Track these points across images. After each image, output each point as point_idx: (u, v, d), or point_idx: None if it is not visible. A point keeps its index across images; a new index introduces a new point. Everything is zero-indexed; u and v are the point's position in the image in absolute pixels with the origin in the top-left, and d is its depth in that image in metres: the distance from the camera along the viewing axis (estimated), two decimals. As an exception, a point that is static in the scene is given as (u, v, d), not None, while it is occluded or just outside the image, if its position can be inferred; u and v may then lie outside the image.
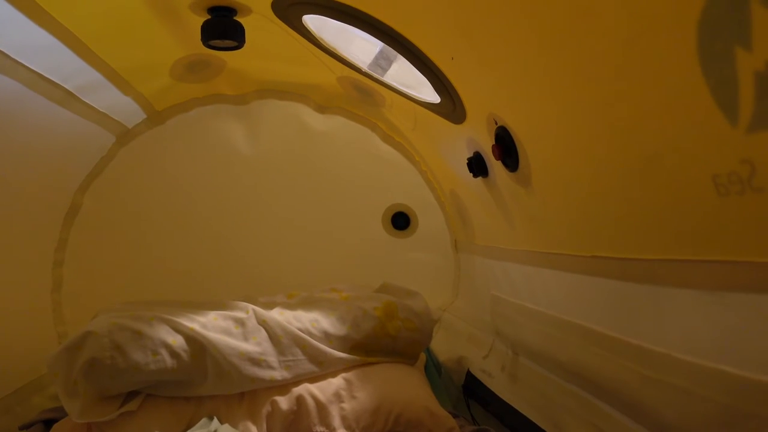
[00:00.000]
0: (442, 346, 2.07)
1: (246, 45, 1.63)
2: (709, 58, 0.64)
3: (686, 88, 0.68)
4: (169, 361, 1.40)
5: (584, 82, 0.88)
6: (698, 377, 0.80)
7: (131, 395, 1.42)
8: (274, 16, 1.54)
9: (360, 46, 1.63)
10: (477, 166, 1.40)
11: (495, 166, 1.29)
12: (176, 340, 1.44)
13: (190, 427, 1.39)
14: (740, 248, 0.71)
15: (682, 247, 0.81)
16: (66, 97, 1.59)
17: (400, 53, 1.32)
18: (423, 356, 1.88)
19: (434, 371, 2.02)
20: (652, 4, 0.68)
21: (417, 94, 1.59)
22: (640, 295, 0.92)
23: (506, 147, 1.18)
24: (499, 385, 1.53)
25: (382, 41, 1.32)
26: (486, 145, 1.31)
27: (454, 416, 1.50)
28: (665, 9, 0.67)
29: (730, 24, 0.60)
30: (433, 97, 1.46)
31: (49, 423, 1.48)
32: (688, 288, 0.81)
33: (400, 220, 2.38)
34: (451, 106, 1.39)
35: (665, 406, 0.87)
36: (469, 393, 1.73)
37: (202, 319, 1.52)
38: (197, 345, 1.44)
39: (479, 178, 1.44)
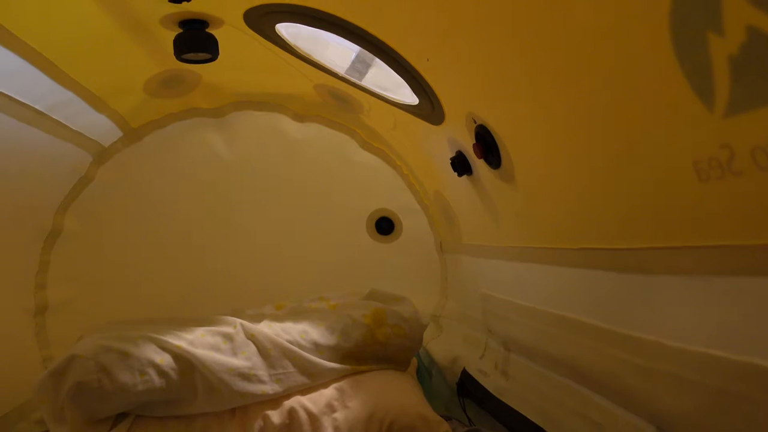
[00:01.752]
0: (438, 348, 2.07)
1: (220, 57, 1.62)
2: (683, 45, 0.64)
3: (662, 77, 0.69)
4: (157, 381, 1.38)
5: (560, 76, 0.88)
6: (690, 363, 0.80)
7: (120, 417, 1.38)
8: (247, 27, 1.53)
9: (336, 52, 1.62)
10: (460, 165, 1.41)
11: (478, 164, 1.30)
12: (164, 359, 1.41)
13: (182, 446, 1.37)
14: (725, 232, 0.72)
15: (668, 234, 0.81)
16: (38, 118, 1.56)
17: (376, 56, 1.32)
18: (414, 361, 1.87)
19: (426, 375, 2.01)
20: (624, -5, 0.69)
21: (395, 97, 1.59)
22: (629, 285, 0.92)
23: (487, 145, 1.18)
24: (492, 382, 1.53)
25: (358, 45, 1.32)
26: (467, 144, 1.31)
27: (447, 418, 1.50)
28: (635, 2, 0.67)
29: (701, 9, 0.60)
30: (412, 99, 1.46)
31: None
32: (677, 275, 0.81)
33: (385, 225, 2.37)
34: (430, 107, 1.39)
35: (659, 394, 0.87)
36: (464, 392, 1.73)
37: (189, 336, 1.49)
38: (185, 363, 1.42)
39: (464, 177, 1.44)
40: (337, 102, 2.11)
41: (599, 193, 0.92)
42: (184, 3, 1.32)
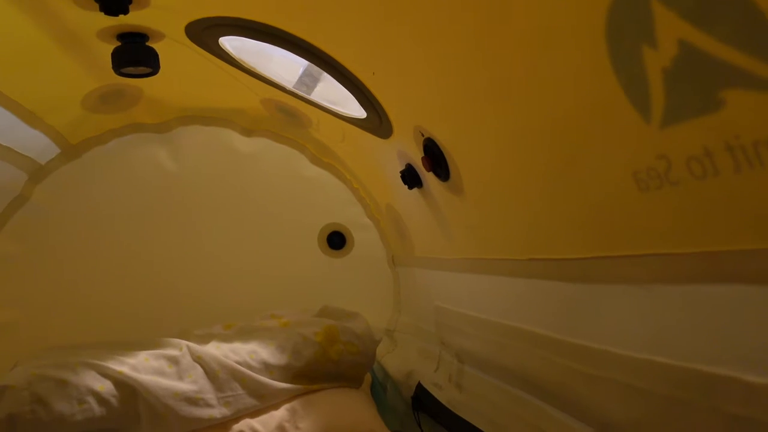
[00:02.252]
0: (392, 363, 2.05)
1: (162, 71, 1.57)
2: (619, 58, 0.66)
3: (600, 89, 0.70)
4: (97, 409, 1.32)
5: (501, 89, 0.89)
6: (636, 371, 0.81)
7: (58, 450, 1.31)
8: (189, 41, 1.49)
9: (282, 65, 1.60)
10: (410, 178, 1.41)
11: (428, 176, 1.30)
12: (104, 386, 1.35)
13: (125, 478, 1.30)
14: (665, 241, 0.73)
15: (611, 243, 0.82)
16: None
17: (323, 70, 1.31)
18: (368, 376, 1.85)
19: (380, 390, 1.99)
20: (559, 9, 0.70)
21: (343, 110, 1.58)
22: (577, 294, 0.93)
23: (435, 158, 1.19)
24: (446, 395, 1.52)
25: (303, 58, 1.30)
26: (416, 157, 1.31)
27: (400, 434, 1.49)
28: (572, 13, 0.69)
29: (635, 23, 0.61)
30: (360, 113, 1.45)
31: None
32: (620, 283, 0.83)
33: (336, 240, 2.35)
34: (378, 121, 1.39)
35: (609, 403, 0.88)
36: (419, 406, 1.72)
37: (132, 360, 1.43)
38: (127, 389, 1.36)
39: (414, 190, 1.44)
40: (285, 116, 2.08)
41: (545, 203, 0.93)
42: (122, 16, 1.28)
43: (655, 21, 0.58)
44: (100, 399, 1.33)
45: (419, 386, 1.74)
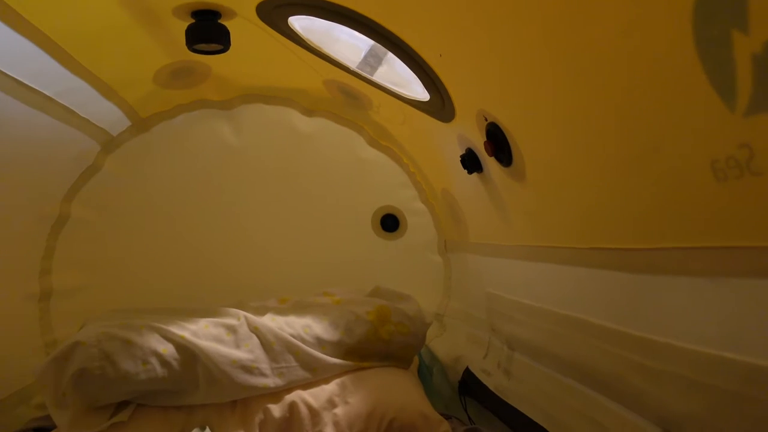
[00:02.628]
0: (441, 347, 2.07)
1: (231, 49, 1.62)
2: (706, 43, 0.64)
3: (683, 75, 0.68)
4: (159, 371, 1.38)
5: (578, 73, 0.87)
6: (701, 365, 0.80)
7: (122, 405, 1.38)
8: (259, 20, 1.53)
9: (346, 48, 1.62)
10: (470, 162, 1.40)
11: (489, 161, 1.29)
12: (167, 349, 1.41)
13: (182, 435, 1.37)
14: (739, 233, 0.71)
15: (680, 234, 0.80)
16: (48, 104, 1.56)
17: (389, 50, 1.32)
18: (415, 359, 1.87)
19: (426, 373, 2.01)
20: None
21: (406, 92, 1.59)
22: (639, 286, 0.91)
23: (498, 143, 1.18)
24: (494, 381, 1.52)
25: (371, 38, 1.31)
26: (478, 142, 1.30)
27: (447, 417, 1.50)
28: (658, -3, 0.67)
29: (726, 8, 0.60)
30: (423, 95, 1.45)
31: (39, 431, 1.45)
32: (688, 276, 0.81)
33: (390, 222, 2.37)
34: (440, 104, 1.39)
35: (669, 397, 0.86)
36: (466, 391, 1.72)
37: (192, 326, 1.49)
38: (188, 353, 1.41)
39: (474, 175, 1.44)
40: (346, 98, 2.11)
41: (612, 192, 0.92)
42: None
43: (749, 4, 0.56)
44: (163, 361, 1.39)
45: (467, 371, 1.74)
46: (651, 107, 0.76)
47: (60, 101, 1.61)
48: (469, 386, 1.69)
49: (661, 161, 0.78)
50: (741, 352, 0.73)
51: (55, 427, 1.36)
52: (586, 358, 1.10)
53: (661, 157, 0.78)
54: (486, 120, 1.23)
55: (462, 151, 1.44)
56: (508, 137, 1.16)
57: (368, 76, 1.59)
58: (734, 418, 0.75)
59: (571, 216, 1.09)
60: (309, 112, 2.28)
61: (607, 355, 1.02)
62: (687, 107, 0.70)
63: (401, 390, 1.56)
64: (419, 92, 1.48)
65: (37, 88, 1.47)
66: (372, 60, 1.55)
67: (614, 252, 0.97)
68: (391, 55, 1.49)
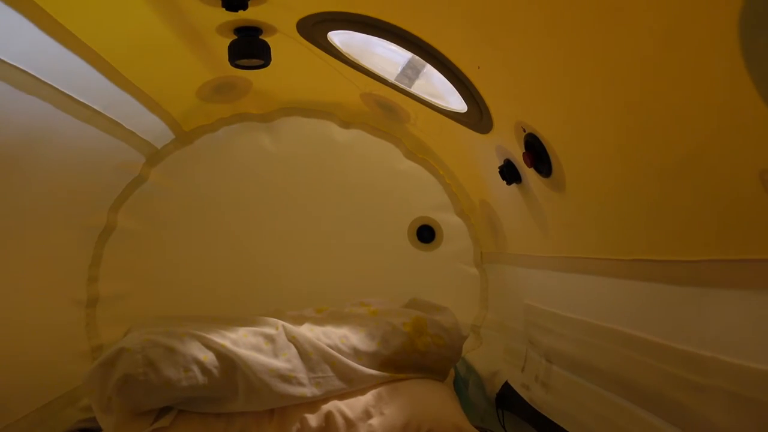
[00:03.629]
0: (477, 359, 2.05)
1: (271, 64, 1.66)
2: (753, 53, 0.63)
3: (728, 84, 0.67)
4: (200, 378, 1.41)
5: (616, 82, 0.87)
6: (748, 380, 0.77)
7: (164, 411, 1.42)
8: (299, 36, 1.56)
9: (385, 61, 1.64)
10: (509, 173, 1.40)
11: (527, 172, 1.29)
12: (207, 357, 1.44)
13: (221, 442, 1.39)
14: (789, 245, 0.69)
15: (726, 246, 0.79)
16: (94, 116, 1.62)
17: (427, 62, 1.33)
18: (451, 371, 1.86)
19: (462, 386, 1.99)
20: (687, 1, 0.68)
21: (444, 104, 1.60)
22: (683, 298, 0.89)
23: (537, 154, 1.17)
24: (532, 394, 1.50)
25: (410, 51, 1.33)
26: (516, 153, 1.30)
27: (482, 430, 1.48)
28: (701, 3, 0.66)
29: (772, 14, 0.59)
30: (460, 107, 1.46)
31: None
32: (735, 288, 0.79)
33: (426, 234, 2.37)
34: (479, 115, 1.39)
35: (714, 412, 0.84)
36: (503, 404, 1.70)
37: (232, 335, 1.52)
38: (228, 362, 1.44)
39: (513, 186, 1.43)
40: (384, 111, 2.13)
41: (655, 202, 0.90)
42: (240, 12, 1.36)
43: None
44: (204, 368, 1.42)
45: (505, 384, 1.73)
46: (694, 115, 0.75)
47: (107, 114, 1.67)
48: (507, 399, 1.67)
49: (705, 170, 0.76)
50: (792, 367, 0.71)
51: (100, 428, 1.40)
52: (627, 372, 1.08)
53: (704, 166, 0.76)
54: (524, 131, 1.22)
55: (500, 162, 1.44)
56: (547, 148, 1.16)
57: (406, 88, 1.61)
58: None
59: (612, 227, 1.08)
60: (346, 124, 2.32)
61: (649, 369, 0.99)
62: (733, 116, 0.69)
63: (437, 402, 1.55)
64: (456, 104, 1.49)
65: (84, 101, 1.53)
66: (410, 72, 1.57)
67: (657, 264, 0.95)
68: (428, 69, 1.51)
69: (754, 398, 0.76)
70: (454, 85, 1.35)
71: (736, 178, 0.71)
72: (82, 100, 1.51)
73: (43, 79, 1.32)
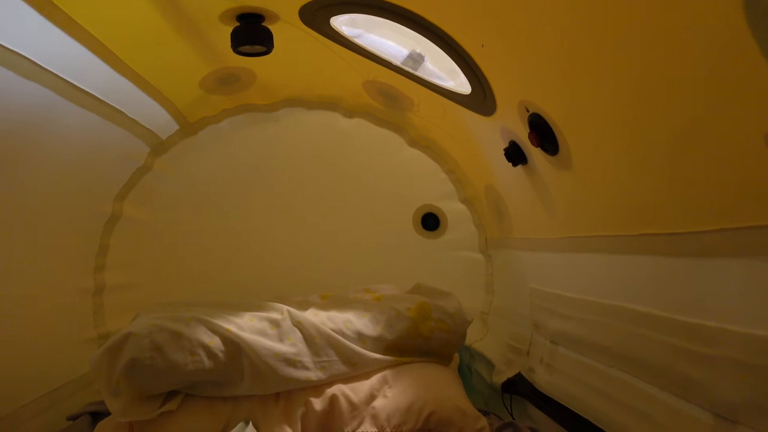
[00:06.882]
0: (483, 345, 2.05)
1: (274, 53, 1.65)
2: (757, 15, 0.62)
3: (732, 47, 0.67)
4: (206, 362, 1.41)
5: (618, 52, 0.86)
6: (756, 349, 0.77)
7: (171, 395, 1.42)
8: (301, 23, 1.56)
9: (386, 51, 1.64)
10: (515, 154, 1.40)
11: (533, 152, 1.28)
12: (213, 341, 1.44)
13: (227, 426, 1.39)
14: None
15: (733, 214, 0.78)
16: (96, 103, 1.62)
17: (431, 41, 1.33)
18: (456, 357, 1.86)
19: (466, 371, 1.99)
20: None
21: (447, 85, 1.59)
22: (690, 270, 0.89)
23: (543, 133, 1.17)
24: (537, 377, 1.50)
25: (414, 31, 1.32)
26: (521, 134, 1.30)
27: (486, 413, 1.49)
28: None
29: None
30: (464, 88, 1.46)
31: (94, 414, 1.52)
32: (743, 257, 0.79)
33: (430, 221, 2.38)
34: (482, 96, 1.39)
35: (721, 382, 0.84)
36: (510, 388, 1.70)
37: (238, 320, 1.52)
38: (233, 346, 1.44)
39: (518, 167, 1.43)
40: (386, 100, 2.13)
41: (661, 174, 0.90)
42: None
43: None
44: (210, 353, 1.42)
45: (518, 374, 1.72)
46: (697, 80, 0.75)
47: (109, 102, 1.68)
48: (514, 384, 1.67)
49: (710, 135, 0.76)
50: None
51: (108, 411, 1.40)
52: (634, 348, 1.08)
53: (710, 133, 0.76)
54: (528, 111, 1.22)
55: (505, 145, 1.44)
56: (552, 126, 1.15)
57: (410, 70, 1.61)
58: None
59: (619, 202, 1.07)
60: (350, 113, 2.32)
61: (655, 343, 0.99)
62: (736, 79, 0.68)
63: (440, 385, 1.55)
64: (460, 86, 1.48)
65: (86, 89, 1.53)
66: (411, 63, 1.57)
67: (663, 237, 0.94)
68: (427, 62, 1.51)
69: (762, 365, 0.76)
70: (458, 65, 1.35)
71: (741, 141, 0.71)
72: (84, 88, 1.52)
73: (44, 66, 1.32)
